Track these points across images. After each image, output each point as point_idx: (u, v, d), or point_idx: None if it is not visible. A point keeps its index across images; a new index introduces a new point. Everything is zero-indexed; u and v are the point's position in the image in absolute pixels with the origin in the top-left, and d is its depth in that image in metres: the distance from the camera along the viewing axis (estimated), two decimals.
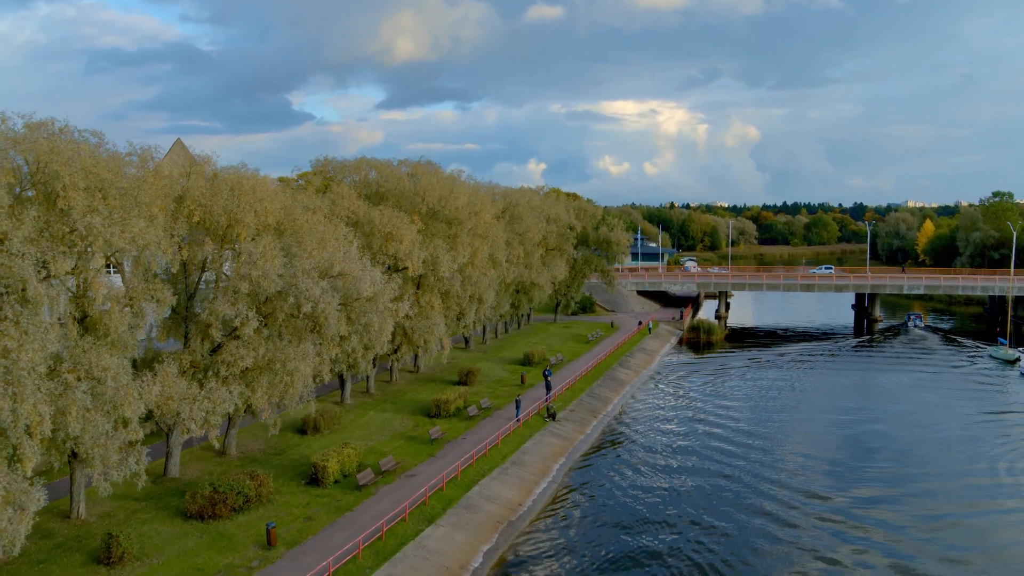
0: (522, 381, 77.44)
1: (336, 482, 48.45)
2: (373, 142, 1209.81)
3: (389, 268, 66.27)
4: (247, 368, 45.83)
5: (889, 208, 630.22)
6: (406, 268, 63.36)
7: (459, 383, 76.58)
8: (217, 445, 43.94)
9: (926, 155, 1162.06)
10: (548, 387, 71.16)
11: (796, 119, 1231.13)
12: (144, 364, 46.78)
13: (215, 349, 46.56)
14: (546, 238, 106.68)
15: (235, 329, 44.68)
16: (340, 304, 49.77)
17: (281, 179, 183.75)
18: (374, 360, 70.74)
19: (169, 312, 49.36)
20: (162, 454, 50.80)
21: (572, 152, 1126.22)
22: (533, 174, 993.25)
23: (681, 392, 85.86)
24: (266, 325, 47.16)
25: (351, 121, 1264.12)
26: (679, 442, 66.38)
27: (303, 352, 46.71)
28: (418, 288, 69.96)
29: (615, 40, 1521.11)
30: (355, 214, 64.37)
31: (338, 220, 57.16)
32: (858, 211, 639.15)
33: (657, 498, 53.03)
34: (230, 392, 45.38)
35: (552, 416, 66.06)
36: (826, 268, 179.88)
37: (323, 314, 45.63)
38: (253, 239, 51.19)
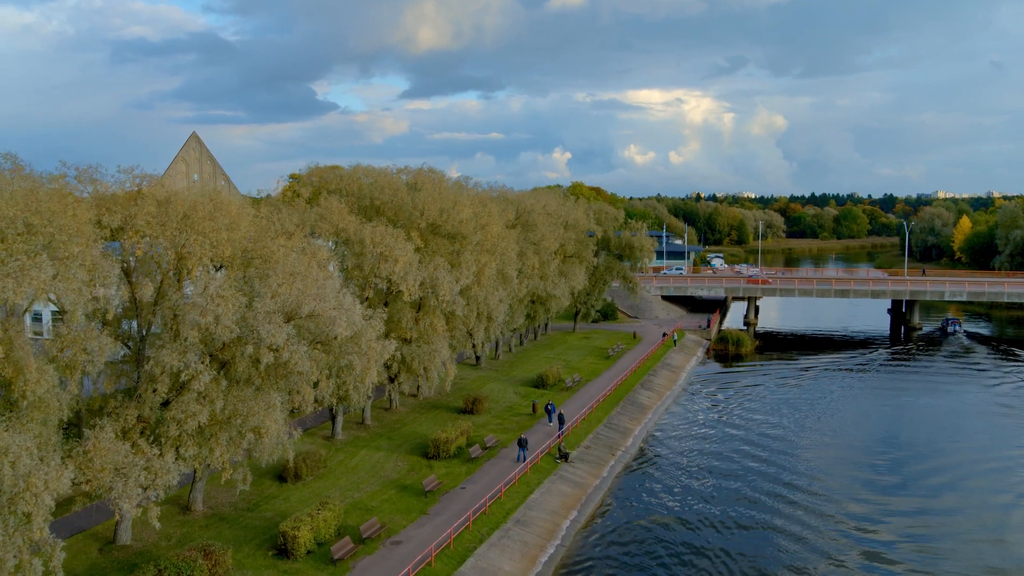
0: (533, 410, 70.59)
1: (309, 552, 41.83)
2: (399, 131, 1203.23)
3: (385, 291, 59.75)
4: (203, 425, 39.27)
5: (920, 199, 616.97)
6: (401, 292, 56.75)
7: (464, 411, 69.90)
8: (158, 525, 37.43)
9: (957, 144, 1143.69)
10: (561, 421, 64.22)
11: (824, 107, 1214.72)
12: (89, 415, 40.71)
13: (167, 402, 40.10)
14: (563, 246, 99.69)
15: (187, 382, 38.11)
16: (317, 343, 43.29)
17: (292, 176, 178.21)
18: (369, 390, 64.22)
19: (121, 354, 43.50)
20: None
21: (597, 141, 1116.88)
22: (558, 163, 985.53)
23: (707, 419, 78.75)
24: (226, 373, 40.63)
25: (376, 111, 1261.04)
26: (705, 485, 59.43)
27: (269, 404, 40.18)
28: (418, 310, 63.34)
29: (639, 28, 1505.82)
30: (345, 231, 57.92)
31: (320, 245, 50.58)
32: (888, 202, 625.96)
33: (686, 563, 46.11)
34: (180, 456, 39.12)
35: (564, 457, 59.21)
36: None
37: (289, 363, 39.00)
38: (221, 268, 44.98)
